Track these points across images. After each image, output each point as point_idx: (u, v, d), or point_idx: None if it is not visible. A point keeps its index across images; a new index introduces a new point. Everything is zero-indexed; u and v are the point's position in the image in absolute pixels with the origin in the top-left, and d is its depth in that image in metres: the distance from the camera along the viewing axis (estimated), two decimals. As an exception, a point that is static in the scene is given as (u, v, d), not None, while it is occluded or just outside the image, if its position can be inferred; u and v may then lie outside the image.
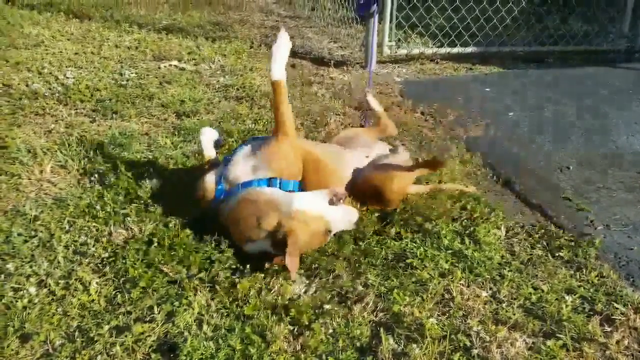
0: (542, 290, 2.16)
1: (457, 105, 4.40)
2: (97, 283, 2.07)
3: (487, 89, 4.93)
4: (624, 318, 2.01)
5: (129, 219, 2.49)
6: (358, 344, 1.86)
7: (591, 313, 2.05)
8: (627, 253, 2.46)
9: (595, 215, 2.77)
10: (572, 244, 2.49)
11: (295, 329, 1.90)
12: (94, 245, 2.30)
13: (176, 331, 1.84)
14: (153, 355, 1.76)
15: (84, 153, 3.13)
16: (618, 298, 2.13)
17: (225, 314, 1.95)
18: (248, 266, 2.17)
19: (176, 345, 1.77)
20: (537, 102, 4.56)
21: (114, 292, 2.04)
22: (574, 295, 2.13)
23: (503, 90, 4.91)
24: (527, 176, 3.20)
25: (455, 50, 5.78)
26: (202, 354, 1.73)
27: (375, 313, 2.02)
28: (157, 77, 4.61)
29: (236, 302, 2.00)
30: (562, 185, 3.10)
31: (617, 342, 1.90)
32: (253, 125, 3.68)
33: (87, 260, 2.21)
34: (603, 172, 3.29)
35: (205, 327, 1.86)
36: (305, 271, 2.23)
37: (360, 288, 2.14)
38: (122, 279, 2.10)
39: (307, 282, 2.17)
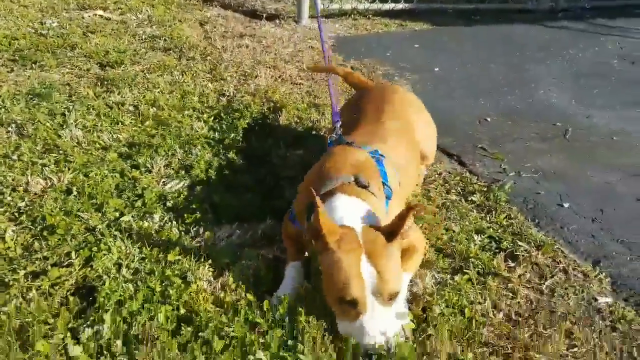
0: (454, 231, 2.28)
1: (387, 60, 4.48)
2: (13, 231, 2.03)
3: (416, 45, 5.01)
4: (527, 254, 2.16)
5: (47, 168, 2.44)
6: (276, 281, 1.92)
7: (497, 251, 2.19)
8: (535, 197, 2.62)
9: (509, 164, 2.92)
10: (485, 189, 2.63)
11: (216, 271, 1.94)
12: (10, 195, 2.25)
13: (95, 275, 1.84)
14: (71, 299, 1.75)
15: (1, 103, 3.01)
16: (523, 237, 2.27)
17: (146, 259, 1.95)
18: (170, 215, 2.18)
19: (94, 288, 1.78)
20: (464, 58, 4.69)
21: (31, 239, 2.01)
22: (483, 235, 2.27)
23: (432, 46, 5.01)
24: (448, 128, 3.30)
25: (386, 6, 5.82)
26: (120, 295, 1.74)
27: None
28: (80, 27, 4.43)
29: (157, 248, 2.01)
30: (480, 137, 3.24)
31: (519, 276, 2.05)
32: (181, 76, 3.62)
33: (2, 209, 2.16)
34: (520, 124, 3.45)
35: (124, 271, 1.87)
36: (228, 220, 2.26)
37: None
38: (40, 226, 2.07)
39: (231, 226, 2.21)
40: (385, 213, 1.89)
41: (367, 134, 2.26)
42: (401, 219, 1.62)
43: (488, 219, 2.41)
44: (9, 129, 2.78)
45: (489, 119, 3.46)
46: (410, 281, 1.94)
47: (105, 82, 3.41)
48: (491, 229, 2.32)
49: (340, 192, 1.80)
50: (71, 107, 3.02)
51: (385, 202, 1.93)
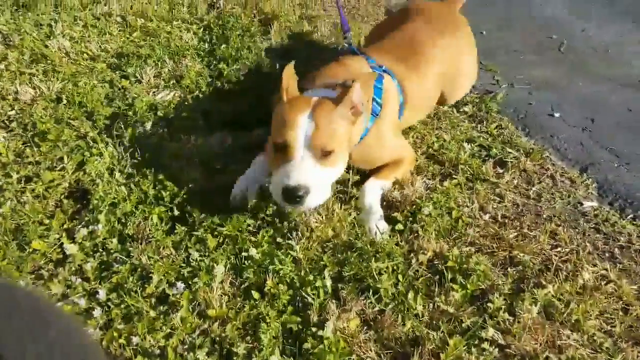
0: (444, 140, 2.29)
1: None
2: (4, 137, 2.03)
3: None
4: (515, 161, 2.18)
5: (36, 78, 2.41)
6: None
7: (487, 158, 2.21)
8: (526, 107, 2.62)
9: (502, 75, 2.90)
10: (477, 100, 2.62)
11: (207, 173, 1.97)
12: (-1, 103, 2.24)
13: (88, 179, 1.86)
14: (65, 202, 1.79)
15: (-16, 14, 2.93)
16: (513, 145, 2.29)
17: (137, 164, 1.96)
18: (162, 123, 2.17)
19: (88, 192, 1.81)
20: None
21: (22, 146, 2.02)
22: (473, 143, 2.28)
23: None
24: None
25: None
26: (114, 197, 1.77)
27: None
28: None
29: (149, 153, 2.02)
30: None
31: (507, 181, 2.08)
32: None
33: (-8, 117, 2.15)
34: (515, 36, 3.39)
35: (117, 175, 1.88)
36: (219, 127, 2.26)
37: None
38: (31, 133, 2.06)
39: (221, 134, 2.21)
40: (365, 127, 1.91)
41: (395, 50, 2.25)
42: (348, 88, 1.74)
43: (479, 128, 2.42)
44: (-5, 39, 2.72)
45: (484, 32, 3.40)
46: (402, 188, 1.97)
47: (92, -7, 3.30)
48: (481, 138, 2.33)
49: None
50: (57, 17, 2.95)
51: (371, 118, 1.93)
